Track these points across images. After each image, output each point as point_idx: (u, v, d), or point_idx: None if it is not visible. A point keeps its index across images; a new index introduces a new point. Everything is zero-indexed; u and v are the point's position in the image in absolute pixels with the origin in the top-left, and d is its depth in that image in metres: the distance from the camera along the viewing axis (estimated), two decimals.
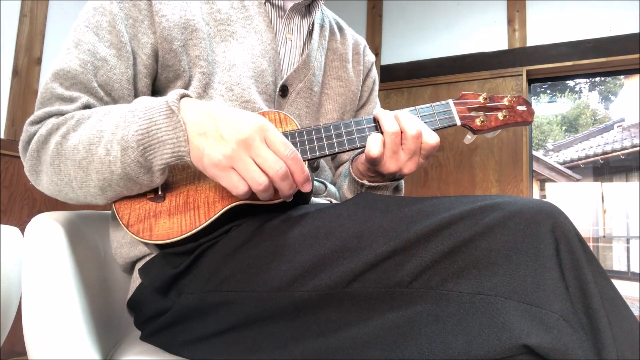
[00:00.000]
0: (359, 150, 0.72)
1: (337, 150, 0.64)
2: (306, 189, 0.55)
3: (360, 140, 0.65)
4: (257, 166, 0.52)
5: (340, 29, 0.90)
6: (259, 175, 0.51)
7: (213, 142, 0.52)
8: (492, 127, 0.68)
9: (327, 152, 0.63)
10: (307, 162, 0.62)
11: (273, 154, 0.52)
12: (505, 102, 0.69)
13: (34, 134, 0.59)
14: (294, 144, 0.63)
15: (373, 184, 0.71)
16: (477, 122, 0.67)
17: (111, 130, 0.54)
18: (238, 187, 0.52)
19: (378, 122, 0.65)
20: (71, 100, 0.61)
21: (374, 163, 0.64)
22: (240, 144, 0.51)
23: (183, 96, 0.56)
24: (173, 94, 0.55)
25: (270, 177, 0.52)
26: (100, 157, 0.55)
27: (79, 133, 0.57)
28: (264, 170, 0.52)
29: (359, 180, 0.72)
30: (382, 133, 0.63)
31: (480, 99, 0.68)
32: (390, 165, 0.64)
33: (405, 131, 0.62)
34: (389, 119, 0.63)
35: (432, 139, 0.63)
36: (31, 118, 0.60)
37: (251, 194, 0.55)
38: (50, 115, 0.60)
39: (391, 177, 0.68)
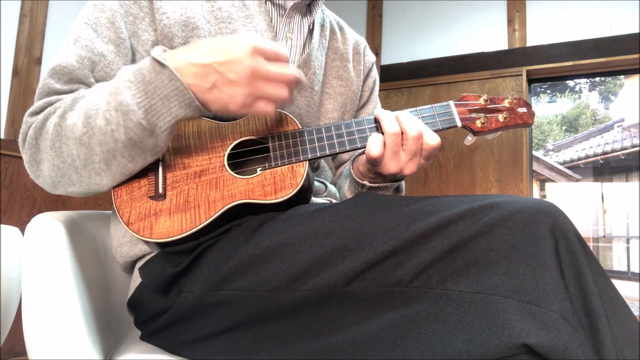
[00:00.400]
0: (360, 150, 0.72)
1: (337, 150, 0.64)
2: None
3: (361, 140, 0.65)
4: (273, 83, 0.56)
5: (341, 28, 0.90)
6: (280, 89, 0.56)
7: (228, 89, 0.54)
8: (493, 128, 0.68)
9: (327, 152, 0.64)
10: (307, 162, 0.62)
11: (279, 67, 0.56)
12: (506, 103, 0.69)
13: (33, 123, 0.59)
14: (295, 144, 0.63)
15: (374, 185, 0.71)
16: (478, 123, 0.67)
17: (106, 100, 0.55)
18: (269, 110, 0.57)
19: (379, 122, 0.65)
20: (70, 92, 0.61)
21: (374, 163, 0.64)
22: (250, 77, 0.54)
23: (164, 50, 0.57)
24: (156, 50, 0.56)
25: (289, 85, 0.57)
26: (101, 128, 0.55)
27: (76, 111, 0.57)
28: (281, 83, 0.56)
29: (360, 181, 0.72)
30: (382, 133, 0.63)
31: (481, 101, 0.68)
32: (391, 166, 0.64)
33: (406, 132, 0.62)
34: (390, 119, 0.64)
35: (433, 140, 0.63)
36: (31, 109, 0.60)
37: (251, 192, 0.58)
38: (49, 105, 0.60)
39: (392, 178, 0.68)
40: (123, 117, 0.54)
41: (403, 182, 0.76)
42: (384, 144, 0.63)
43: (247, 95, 0.55)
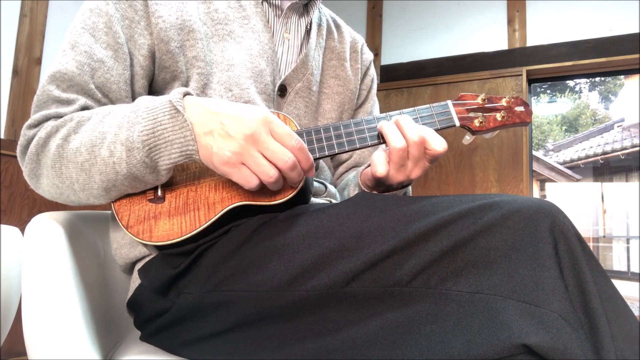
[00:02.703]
0: (365, 164, 0.71)
1: (336, 151, 0.64)
2: (311, 174, 0.58)
3: (360, 141, 0.65)
4: (266, 159, 0.53)
5: (338, 27, 0.90)
6: (269, 168, 0.53)
7: (221, 140, 0.52)
8: (491, 127, 0.68)
9: (326, 152, 0.63)
10: None
11: (280, 145, 0.53)
12: (504, 102, 0.69)
13: (33, 138, 0.59)
14: None
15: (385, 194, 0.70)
16: (476, 122, 0.67)
17: (114, 132, 0.55)
18: (250, 182, 0.53)
19: (383, 137, 0.63)
20: (68, 102, 0.61)
21: (381, 180, 0.64)
22: (247, 139, 0.52)
23: (185, 94, 0.56)
24: (176, 93, 0.55)
25: (280, 169, 0.53)
26: (104, 159, 0.55)
27: (81, 135, 0.56)
28: (273, 163, 0.53)
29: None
30: (386, 145, 0.62)
31: (479, 100, 0.68)
32: (397, 177, 0.63)
33: (408, 138, 0.61)
34: (395, 134, 0.61)
35: (439, 145, 0.61)
36: (29, 122, 0.60)
37: (250, 194, 0.57)
38: (48, 118, 0.60)
39: (400, 185, 0.68)
40: (127, 153, 0.54)
41: (410, 187, 0.75)
42: (389, 161, 0.62)
43: (235, 154, 0.52)
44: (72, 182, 0.57)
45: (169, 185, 0.61)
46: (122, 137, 0.54)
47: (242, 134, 0.52)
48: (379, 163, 0.62)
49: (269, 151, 0.53)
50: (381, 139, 0.64)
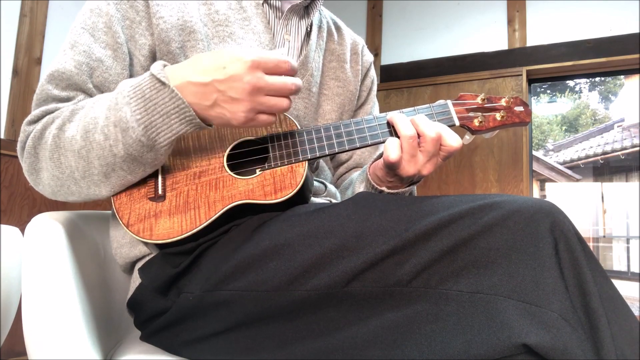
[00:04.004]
0: (376, 156, 0.71)
1: (337, 150, 0.64)
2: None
3: (360, 140, 0.65)
4: (274, 96, 0.55)
5: (338, 28, 0.90)
6: (280, 101, 0.56)
7: (229, 106, 0.54)
8: (490, 127, 0.68)
9: (326, 152, 0.64)
10: (307, 162, 0.62)
11: (278, 78, 0.55)
12: (503, 102, 0.69)
13: (31, 133, 0.60)
14: (294, 144, 0.63)
15: (392, 192, 0.69)
16: (476, 122, 0.67)
17: (104, 115, 0.55)
18: (270, 120, 0.57)
19: (393, 126, 0.64)
20: (68, 99, 0.61)
21: (392, 167, 0.64)
22: (251, 93, 0.54)
23: (165, 65, 0.56)
24: (156, 66, 0.55)
25: (289, 96, 0.57)
26: (100, 143, 0.55)
27: (75, 123, 0.57)
28: (281, 96, 0.56)
29: (378, 187, 0.70)
30: (397, 137, 0.62)
31: (479, 100, 0.68)
32: (409, 169, 0.63)
33: (424, 134, 0.61)
34: (405, 122, 0.62)
35: (454, 142, 0.62)
36: (28, 118, 0.60)
37: (250, 192, 0.58)
38: (47, 114, 0.60)
39: (410, 181, 0.67)
40: (122, 134, 0.54)
41: (415, 187, 0.75)
42: (401, 148, 0.62)
43: (248, 111, 0.55)
44: (72, 171, 0.57)
45: (170, 183, 0.61)
46: (113, 119, 0.54)
47: (244, 92, 0.53)
48: (392, 148, 0.62)
49: (273, 90, 0.55)
50: (391, 128, 0.64)
